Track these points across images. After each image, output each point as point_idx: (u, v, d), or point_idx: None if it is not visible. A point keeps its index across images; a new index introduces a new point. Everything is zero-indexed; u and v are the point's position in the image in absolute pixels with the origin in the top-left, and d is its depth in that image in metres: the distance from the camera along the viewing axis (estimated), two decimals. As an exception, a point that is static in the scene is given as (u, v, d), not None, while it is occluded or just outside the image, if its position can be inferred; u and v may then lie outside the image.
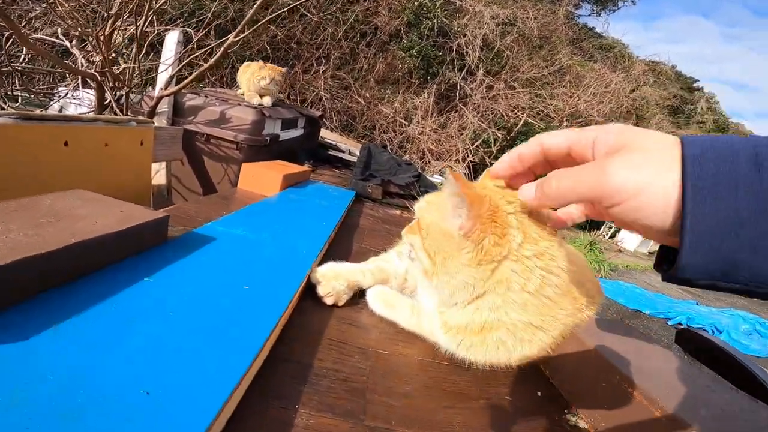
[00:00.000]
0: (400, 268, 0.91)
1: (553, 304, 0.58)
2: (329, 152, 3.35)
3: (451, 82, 8.44)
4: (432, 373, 0.72)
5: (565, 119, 8.61)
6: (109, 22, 1.88)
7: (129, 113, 2.16)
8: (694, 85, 16.80)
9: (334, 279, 0.85)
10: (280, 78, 2.54)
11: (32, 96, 2.92)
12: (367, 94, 8.01)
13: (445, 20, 8.42)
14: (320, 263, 0.91)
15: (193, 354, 0.50)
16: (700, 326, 5.49)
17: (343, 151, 3.53)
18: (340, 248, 1.21)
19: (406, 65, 8.32)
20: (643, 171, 0.31)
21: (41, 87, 3.07)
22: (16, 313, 0.48)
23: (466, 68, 8.51)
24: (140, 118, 1.53)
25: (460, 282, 0.59)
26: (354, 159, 3.04)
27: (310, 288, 0.86)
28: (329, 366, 0.65)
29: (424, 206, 0.67)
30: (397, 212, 2.12)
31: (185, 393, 0.43)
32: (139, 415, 0.39)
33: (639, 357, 0.74)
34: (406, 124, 7.96)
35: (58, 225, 0.62)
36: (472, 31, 8.44)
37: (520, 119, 8.20)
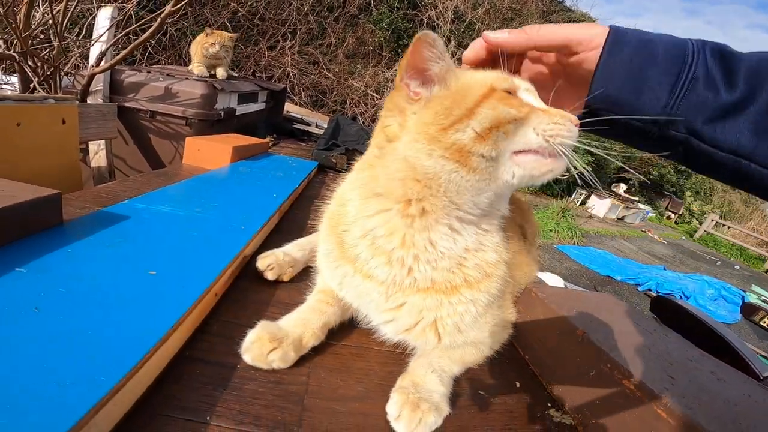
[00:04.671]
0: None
1: None
2: (294, 125, 3.16)
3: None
4: (392, 367, 0.60)
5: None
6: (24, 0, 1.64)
7: (61, 94, 1.93)
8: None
9: (274, 253, 0.74)
10: (229, 43, 2.31)
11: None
12: (336, 69, 7.72)
13: (415, -9, 8.14)
14: (266, 239, 0.79)
15: (50, 361, 0.37)
16: (669, 292, 5.65)
17: (309, 124, 3.34)
18: (293, 223, 1.09)
19: (376, 39, 8.04)
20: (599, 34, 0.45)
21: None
22: None
23: (437, 41, 8.30)
24: (60, 95, 1.34)
25: None
26: (321, 132, 2.87)
27: (252, 271, 0.75)
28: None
29: None
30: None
31: (30, 413, 0.32)
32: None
33: (632, 338, 0.64)
34: (378, 97, 7.73)
35: None
36: (443, 3, 8.20)
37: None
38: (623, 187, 11.36)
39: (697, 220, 13.53)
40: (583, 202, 10.61)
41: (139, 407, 0.42)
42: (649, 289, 5.79)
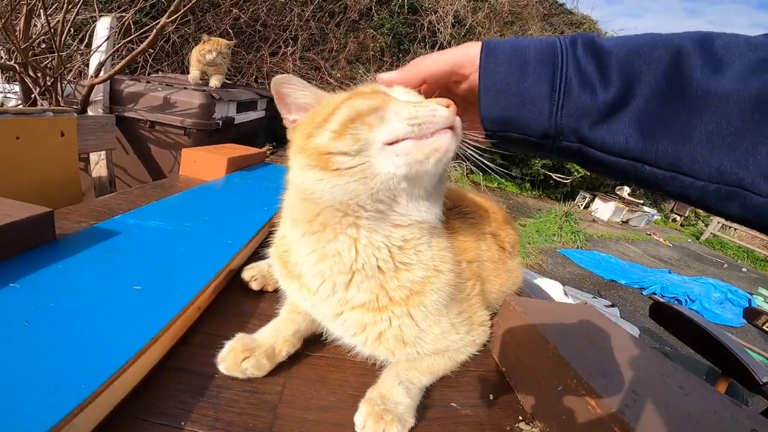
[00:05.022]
0: None
1: None
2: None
3: (423, 60, 8.25)
4: (367, 378, 0.62)
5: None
6: (24, 10, 1.68)
7: (62, 104, 1.98)
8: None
9: (258, 265, 0.77)
10: (226, 50, 2.36)
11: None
12: (338, 75, 7.77)
13: (415, -4, 8.19)
14: (254, 252, 0.82)
15: (36, 370, 0.41)
16: (674, 295, 5.58)
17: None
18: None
19: (377, 43, 8.08)
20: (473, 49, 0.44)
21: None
22: None
23: (438, 45, 8.33)
24: (58, 107, 1.38)
25: None
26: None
27: (238, 284, 0.77)
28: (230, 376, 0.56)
29: None
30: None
31: (14, 415, 0.35)
32: None
33: (603, 353, 0.65)
34: (380, 103, 7.76)
35: None
36: (444, 8, 8.23)
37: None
38: (627, 189, 11.29)
39: (703, 222, 13.41)
40: (587, 206, 10.55)
41: (119, 411, 0.45)
42: (654, 293, 5.73)
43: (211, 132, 2.14)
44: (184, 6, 1.86)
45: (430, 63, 0.47)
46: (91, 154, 1.83)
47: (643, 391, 0.56)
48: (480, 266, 0.71)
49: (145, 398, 0.48)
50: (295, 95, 0.55)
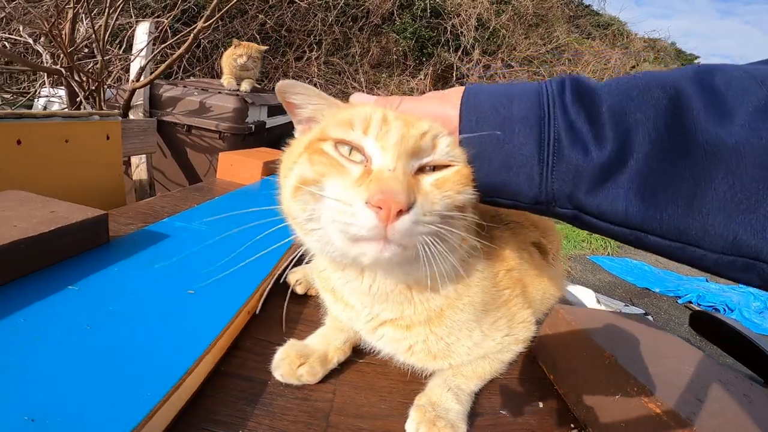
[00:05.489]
0: None
1: None
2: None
3: (447, 63, 8.22)
4: (415, 386, 0.61)
5: (565, 97, 8.41)
6: (69, 15, 1.76)
7: (104, 108, 2.06)
8: (696, 62, 16.38)
9: (303, 269, 0.77)
10: (257, 54, 2.40)
11: (8, 96, 2.82)
12: (362, 79, 7.84)
13: (438, 0, 8.19)
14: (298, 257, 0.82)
15: (104, 375, 0.41)
16: (711, 304, 5.34)
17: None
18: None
19: (400, 48, 8.11)
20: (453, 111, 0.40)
21: (17, 87, 2.96)
22: None
23: (461, 48, 8.28)
24: (104, 111, 1.43)
25: None
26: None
27: (282, 289, 0.78)
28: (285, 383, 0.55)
29: None
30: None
31: (85, 418, 0.35)
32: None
33: (661, 362, 0.62)
34: (404, 107, 7.79)
35: (-33, 230, 0.54)
36: (466, 11, 8.19)
37: (519, 98, 8.00)
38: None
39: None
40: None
41: (179, 419, 0.45)
42: (690, 302, 5.49)
43: (244, 136, 2.18)
44: (219, 11, 1.91)
45: (410, 110, 0.43)
46: (132, 157, 1.90)
47: (708, 398, 0.54)
48: (521, 273, 0.69)
49: (203, 405, 0.48)
50: (302, 105, 0.49)
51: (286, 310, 0.73)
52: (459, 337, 0.56)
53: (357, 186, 0.37)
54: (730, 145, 0.28)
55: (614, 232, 0.34)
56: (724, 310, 5.27)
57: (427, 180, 0.40)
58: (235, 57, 2.31)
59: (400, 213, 0.34)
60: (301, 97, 0.48)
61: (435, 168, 0.41)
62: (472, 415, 0.57)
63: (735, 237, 0.28)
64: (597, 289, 4.28)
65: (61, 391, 0.38)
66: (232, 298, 0.60)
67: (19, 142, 1.11)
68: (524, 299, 0.68)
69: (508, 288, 0.63)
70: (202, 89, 2.27)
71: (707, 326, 1.88)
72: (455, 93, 0.40)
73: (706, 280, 6.55)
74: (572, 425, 0.61)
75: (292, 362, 0.54)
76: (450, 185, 0.39)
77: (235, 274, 0.68)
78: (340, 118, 0.43)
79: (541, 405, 0.64)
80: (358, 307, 0.56)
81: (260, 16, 6.89)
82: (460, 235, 0.42)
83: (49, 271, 0.58)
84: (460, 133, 0.38)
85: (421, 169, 0.41)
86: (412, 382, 0.62)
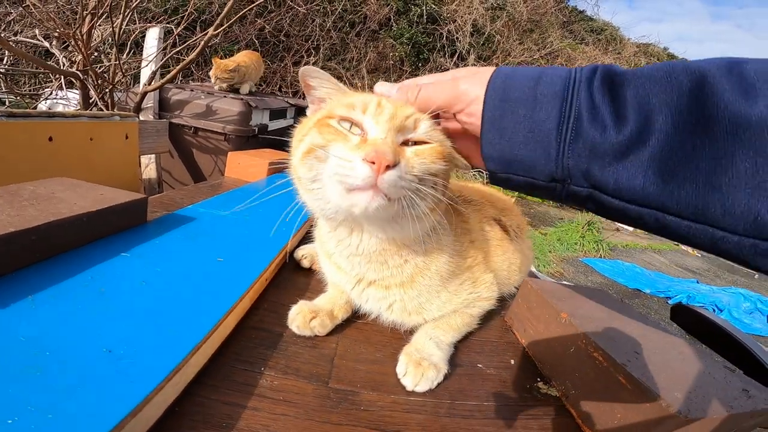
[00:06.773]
0: None
1: None
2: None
3: (442, 68, 8.38)
4: (404, 342, 0.72)
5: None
6: (86, 20, 1.88)
7: (115, 110, 2.18)
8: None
9: (308, 246, 0.90)
10: (225, 75, 2.50)
11: (18, 98, 2.93)
12: (359, 84, 7.92)
13: (434, 6, 8.34)
14: (304, 236, 0.95)
15: (159, 319, 0.53)
16: (701, 305, 5.44)
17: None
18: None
19: (397, 53, 8.25)
20: (475, 86, 0.42)
21: (27, 89, 3.06)
22: (-4, 284, 0.52)
23: (457, 54, 8.45)
24: (123, 112, 1.55)
25: None
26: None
27: (291, 264, 0.90)
28: (300, 334, 0.67)
29: None
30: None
31: (146, 351, 0.46)
32: (98, 370, 0.42)
33: (611, 322, 0.74)
34: (400, 111, 7.90)
35: (38, 206, 0.65)
36: (462, 17, 8.35)
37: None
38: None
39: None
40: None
41: (213, 359, 0.56)
42: (680, 302, 5.63)
43: (248, 138, 2.30)
44: (228, 20, 2.03)
45: (424, 98, 0.48)
46: (141, 157, 2.02)
47: (643, 350, 0.65)
48: (482, 243, 0.82)
49: (231, 349, 0.60)
50: (317, 87, 0.61)
51: (295, 280, 0.86)
52: (428, 298, 0.70)
53: (356, 149, 0.48)
54: (753, 122, 0.28)
55: (630, 213, 0.34)
56: (714, 309, 5.40)
57: (409, 150, 0.52)
58: (213, 80, 2.52)
59: (387, 168, 0.46)
60: (318, 81, 0.61)
61: (416, 143, 0.54)
62: (453, 366, 0.68)
63: (756, 216, 0.28)
64: (586, 288, 4.41)
65: (128, 330, 0.50)
66: (254, 265, 0.72)
67: (50, 139, 1.23)
68: (486, 265, 0.82)
69: (470, 256, 0.76)
70: (208, 93, 2.39)
71: (688, 320, 2.01)
72: (486, 71, 0.43)
73: (697, 282, 6.69)
74: (538, 378, 0.72)
75: (306, 316, 0.67)
76: (426, 156, 0.52)
77: (255, 248, 0.81)
78: (345, 101, 0.56)
79: (512, 362, 0.76)
80: (347, 269, 0.69)
81: (258, 20, 7.00)
82: (432, 198, 0.53)
83: (101, 242, 0.70)
84: (483, 109, 0.40)
85: (405, 143, 0.53)
86: (403, 339, 0.74)
